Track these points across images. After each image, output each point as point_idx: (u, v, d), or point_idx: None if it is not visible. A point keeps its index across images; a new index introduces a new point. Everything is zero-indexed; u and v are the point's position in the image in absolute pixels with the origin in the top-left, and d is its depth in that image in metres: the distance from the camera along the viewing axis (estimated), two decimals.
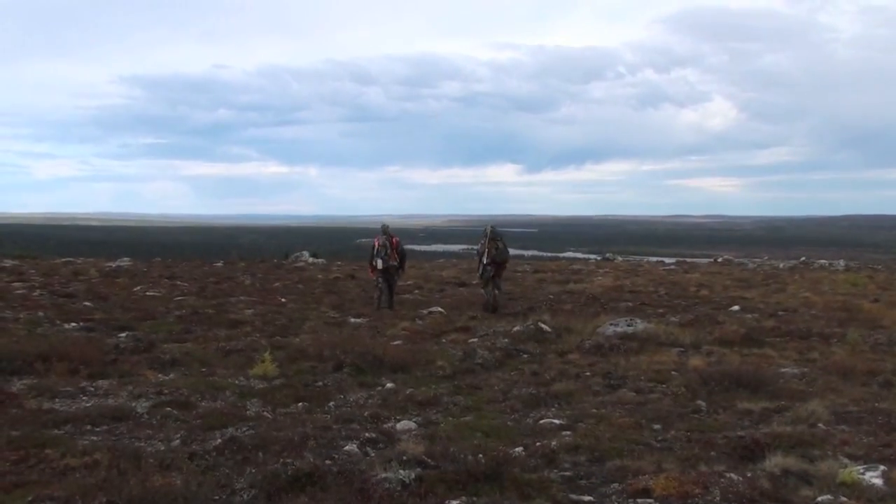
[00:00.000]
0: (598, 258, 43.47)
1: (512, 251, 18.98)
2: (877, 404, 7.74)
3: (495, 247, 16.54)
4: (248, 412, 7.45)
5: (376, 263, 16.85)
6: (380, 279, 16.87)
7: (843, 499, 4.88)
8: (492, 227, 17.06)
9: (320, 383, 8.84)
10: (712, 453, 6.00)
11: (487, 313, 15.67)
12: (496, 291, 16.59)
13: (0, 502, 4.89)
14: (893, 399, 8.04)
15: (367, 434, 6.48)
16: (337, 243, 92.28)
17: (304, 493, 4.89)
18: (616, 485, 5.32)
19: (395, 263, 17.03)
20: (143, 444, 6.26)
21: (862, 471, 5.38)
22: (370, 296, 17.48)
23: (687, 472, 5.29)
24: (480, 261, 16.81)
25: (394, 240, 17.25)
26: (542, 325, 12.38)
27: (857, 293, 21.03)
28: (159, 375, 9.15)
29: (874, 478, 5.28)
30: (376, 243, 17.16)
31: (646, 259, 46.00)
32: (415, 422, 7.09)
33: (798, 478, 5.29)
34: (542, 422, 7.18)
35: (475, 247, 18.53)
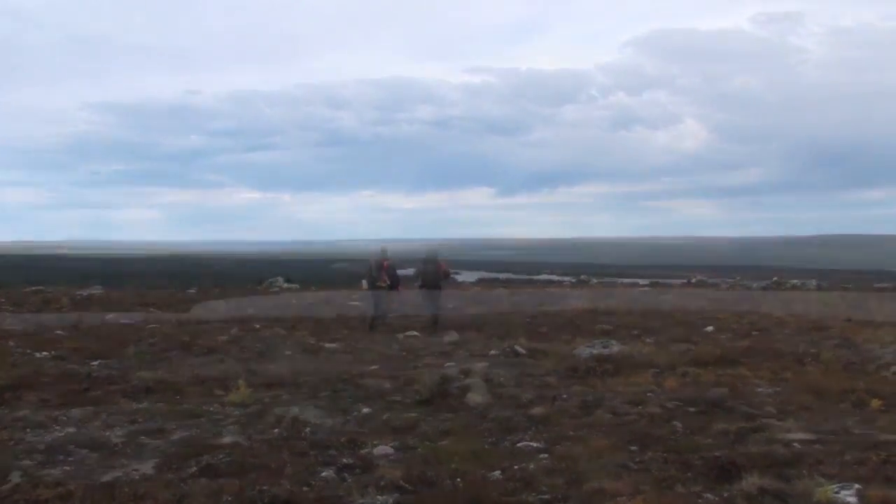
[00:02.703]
0: (573, 280, 43.70)
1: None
2: (850, 422, 7.81)
3: (423, 271, 18.68)
4: (223, 440, 7.37)
5: (361, 284, 18.83)
6: (370, 300, 18.36)
7: None
8: (430, 252, 19.49)
9: (297, 409, 8.77)
10: (689, 474, 6.01)
11: (427, 331, 16.94)
12: (435, 311, 18.29)
13: None
14: (867, 417, 8.12)
15: (344, 460, 6.44)
16: (312, 269, 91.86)
17: None
18: None
19: (384, 285, 18.37)
20: (117, 473, 6.18)
21: (837, 489, 5.41)
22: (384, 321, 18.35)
23: (664, 494, 5.31)
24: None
25: (385, 263, 18.65)
26: (519, 349, 12.39)
27: (829, 312, 21.28)
28: (133, 404, 9.04)
29: (849, 496, 5.31)
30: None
31: (620, 281, 46.26)
32: (392, 447, 7.04)
33: (774, 497, 5.31)
34: (519, 445, 7.16)
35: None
